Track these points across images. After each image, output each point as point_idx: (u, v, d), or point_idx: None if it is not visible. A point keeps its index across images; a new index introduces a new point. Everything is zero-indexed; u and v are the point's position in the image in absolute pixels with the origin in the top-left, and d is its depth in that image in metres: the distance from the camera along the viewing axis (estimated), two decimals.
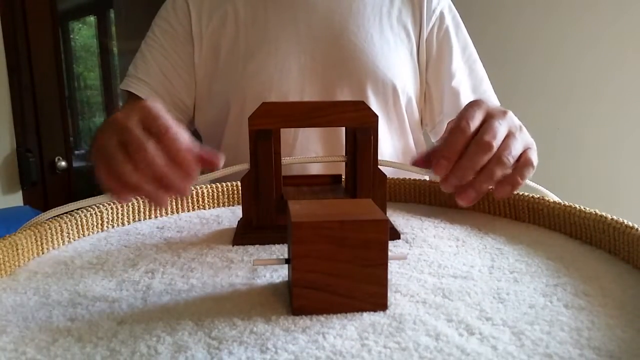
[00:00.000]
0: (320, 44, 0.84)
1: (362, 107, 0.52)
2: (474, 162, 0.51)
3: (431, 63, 0.90)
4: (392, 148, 0.88)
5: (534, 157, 0.55)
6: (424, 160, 0.57)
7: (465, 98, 0.88)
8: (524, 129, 0.55)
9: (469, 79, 0.91)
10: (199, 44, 0.86)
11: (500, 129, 0.52)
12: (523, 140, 0.54)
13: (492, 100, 0.92)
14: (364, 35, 0.85)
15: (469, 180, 0.52)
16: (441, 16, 0.90)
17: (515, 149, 0.52)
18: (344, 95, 0.83)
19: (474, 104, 0.55)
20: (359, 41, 0.84)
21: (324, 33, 0.84)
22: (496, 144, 0.51)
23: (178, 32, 0.87)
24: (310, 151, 0.84)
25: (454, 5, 0.95)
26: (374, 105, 0.85)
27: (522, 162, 0.53)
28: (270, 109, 0.50)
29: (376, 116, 0.52)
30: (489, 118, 0.53)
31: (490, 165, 0.51)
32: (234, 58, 0.85)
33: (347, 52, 0.84)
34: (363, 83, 0.83)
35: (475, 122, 0.52)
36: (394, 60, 0.86)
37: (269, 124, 0.51)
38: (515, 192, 0.58)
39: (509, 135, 0.53)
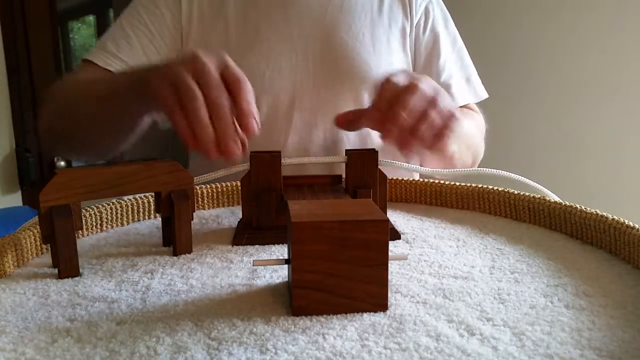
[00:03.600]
0: (312, 43, 0.84)
1: (175, 169, 0.48)
2: (405, 104, 0.53)
3: (419, 57, 0.90)
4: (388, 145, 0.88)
5: (453, 125, 0.56)
6: (347, 120, 0.60)
7: (457, 91, 0.89)
8: (442, 92, 0.58)
9: (459, 72, 0.91)
10: (187, 38, 0.84)
11: (425, 85, 0.55)
12: (448, 102, 0.57)
13: (481, 93, 0.93)
14: (355, 34, 0.85)
15: (405, 125, 0.53)
16: (426, 10, 0.90)
17: (445, 106, 0.55)
18: (336, 93, 0.83)
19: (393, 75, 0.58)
20: (351, 40, 0.84)
21: (316, 32, 0.84)
22: (422, 89, 0.54)
23: (166, 18, 0.84)
24: (304, 147, 0.84)
25: (459, 7, 0.95)
26: (368, 103, 0.85)
27: (441, 134, 0.54)
28: (64, 180, 0.44)
29: (191, 177, 0.49)
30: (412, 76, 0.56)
31: (423, 121, 0.53)
32: None
33: (339, 50, 0.84)
34: (355, 82, 0.83)
35: (397, 79, 0.55)
36: (387, 58, 0.86)
37: (66, 198, 0.44)
38: (516, 192, 0.58)
39: (436, 95, 0.55)
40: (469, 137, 0.84)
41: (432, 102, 0.54)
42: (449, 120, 0.55)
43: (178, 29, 0.84)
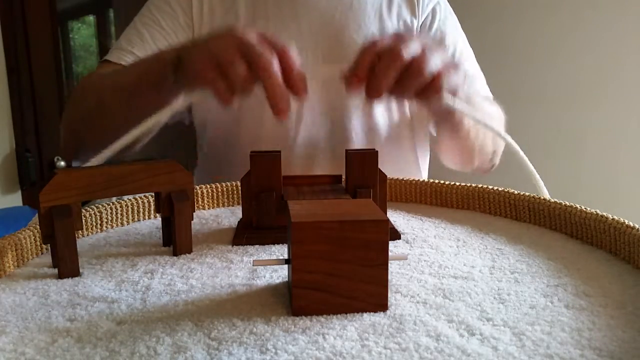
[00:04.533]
0: (321, 41, 0.84)
1: (175, 169, 0.48)
2: (387, 70, 0.49)
3: None
4: (397, 143, 0.88)
5: (449, 79, 0.53)
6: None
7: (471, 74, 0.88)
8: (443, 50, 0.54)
9: (468, 65, 0.91)
10: (198, 35, 0.85)
11: (412, 43, 0.51)
12: (441, 58, 0.53)
13: (488, 96, 0.93)
14: (365, 33, 0.85)
15: (387, 88, 0.50)
16: (433, 11, 0.90)
17: (433, 62, 0.51)
18: (346, 92, 0.83)
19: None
20: (360, 39, 0.84)
21: (325, 30, 0.84)
22: (407, 53, 0.50)
23: (178, 15, 0.86)
24: (314, 143, 0.84)
25: (458, 6, 0.95)
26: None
27: (432, 87, 0.52)
28: (64, 180, 0.44)
29: (191, 177, 0.49)
30: (400, 38, 0.52)
31: (406, 76, 0.50)
32: None
33: (348, 49, 0.84)
34: None
35: (382, 43, 0.51)
36: None
37: (66, 199, 0.44)
38: (516, 192, 0.58)
39: (424, 51, 0.51)
40: (486, 114, 0.80)
41: (420, 65, 0.50)
42: (428, 95, 0.52)
43: (190, 26, 0.86)
